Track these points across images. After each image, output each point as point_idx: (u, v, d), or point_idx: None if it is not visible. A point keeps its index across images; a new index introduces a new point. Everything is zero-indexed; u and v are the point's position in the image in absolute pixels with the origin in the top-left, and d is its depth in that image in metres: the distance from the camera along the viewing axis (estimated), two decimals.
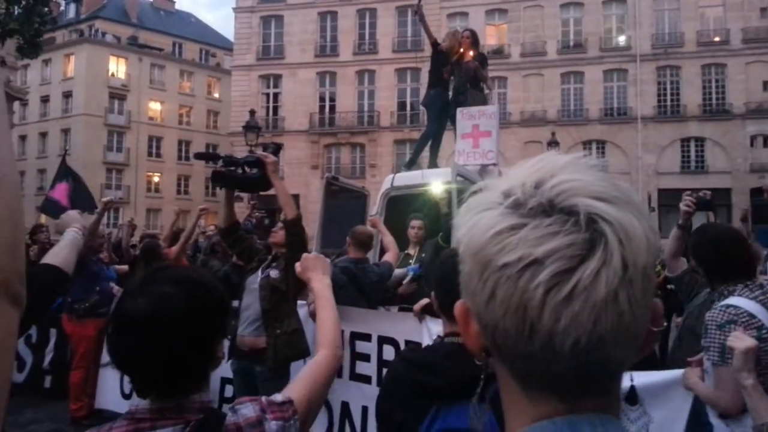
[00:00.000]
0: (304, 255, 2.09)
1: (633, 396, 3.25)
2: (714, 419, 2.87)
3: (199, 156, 4.99)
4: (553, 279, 0.58)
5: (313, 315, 3.98)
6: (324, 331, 1.82)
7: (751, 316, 2.61)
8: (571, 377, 0.60)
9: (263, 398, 1.47)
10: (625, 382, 3.27)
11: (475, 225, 0.64)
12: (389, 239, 5.53)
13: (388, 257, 5.36)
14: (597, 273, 0.57)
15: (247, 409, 1.41)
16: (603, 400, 0.63)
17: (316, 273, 1.97)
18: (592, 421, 0.61)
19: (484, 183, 0.68)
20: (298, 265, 2.05)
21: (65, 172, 10.14)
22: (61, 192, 9.38)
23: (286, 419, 1.42)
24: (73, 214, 2.65)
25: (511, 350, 0.62)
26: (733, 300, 2.71)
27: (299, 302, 4.66)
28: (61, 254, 2.30)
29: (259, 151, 4.61)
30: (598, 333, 0.58)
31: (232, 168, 4.40)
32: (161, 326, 1.34)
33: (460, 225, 0.66)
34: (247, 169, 4.37)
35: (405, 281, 5.45)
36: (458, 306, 0.70)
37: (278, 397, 1.48)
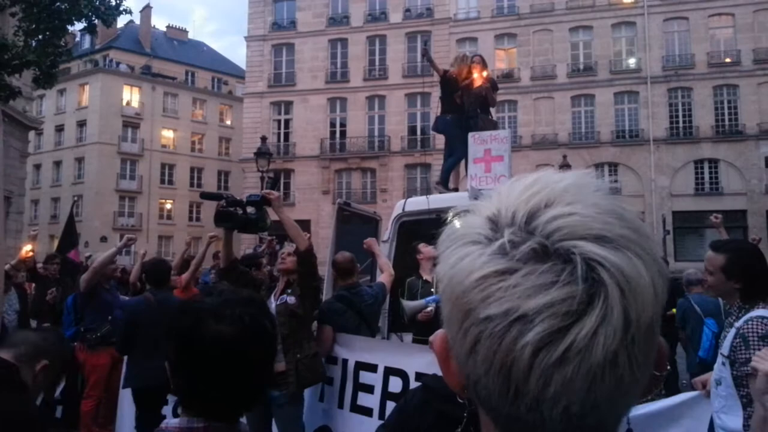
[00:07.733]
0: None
1: None
2: None
3: (205, 196, 5.05)
4: (544, 339, 0.50)
5: None
6: None
7: None
8: None
9: None
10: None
11: (456, 264, 0.55)
12: (383, 261, 5.76)
13: (383, 278, 5.54)
14: (594, 333, 0.49)
15: None
16: None
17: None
18: None
19: (468, 205, 0.59)
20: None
21: (75, 236, 10.75)
22: (74, 254, 10.13)
23: None
24: None
25: (494, 407, 0.55)
26: (761, 312, 2.79)
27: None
28: None
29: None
30: (592, 400, 0.51)
31: (235, 208, 4.47)
32: (256, 347, 1.36)
33: (441, 258, 0.58)
34: (248, 209, 4.47)
35: (426, 311, 5.38)
36: (438, 338, 0.60)
37: None
